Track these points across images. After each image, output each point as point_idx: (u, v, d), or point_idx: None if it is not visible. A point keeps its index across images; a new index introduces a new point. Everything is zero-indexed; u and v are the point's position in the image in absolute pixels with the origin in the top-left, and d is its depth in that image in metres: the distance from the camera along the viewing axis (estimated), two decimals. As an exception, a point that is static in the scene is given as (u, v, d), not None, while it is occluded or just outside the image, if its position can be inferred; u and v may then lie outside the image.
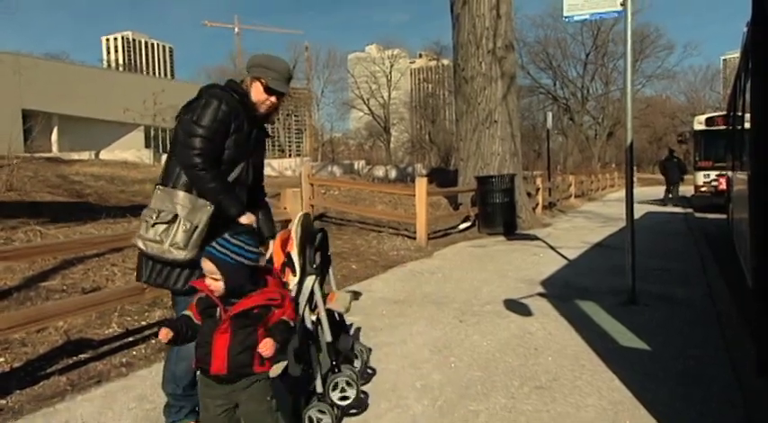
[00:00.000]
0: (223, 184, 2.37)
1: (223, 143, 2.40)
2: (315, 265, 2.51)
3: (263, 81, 2.54)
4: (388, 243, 8.33)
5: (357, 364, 2.95)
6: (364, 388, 2.95)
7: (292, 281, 2.45)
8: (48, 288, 4.58)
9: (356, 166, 25.37)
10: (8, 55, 22.51)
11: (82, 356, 3.55)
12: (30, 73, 22.07)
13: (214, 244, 2.05)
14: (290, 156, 47.26)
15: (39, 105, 24.10)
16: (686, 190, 17.64)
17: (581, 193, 20.03)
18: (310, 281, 2.47)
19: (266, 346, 2.00)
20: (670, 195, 17.11)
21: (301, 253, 2.48)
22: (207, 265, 2.02)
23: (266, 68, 2.56)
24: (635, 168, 4.72)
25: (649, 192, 21.83)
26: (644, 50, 43.52)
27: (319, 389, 2.51)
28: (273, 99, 2.59)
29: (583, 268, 6.53)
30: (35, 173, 10.33)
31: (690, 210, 14.99)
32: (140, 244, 2.34)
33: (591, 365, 3.35)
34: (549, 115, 19.95)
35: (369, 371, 3.21)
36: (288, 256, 2.46)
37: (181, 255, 2.29)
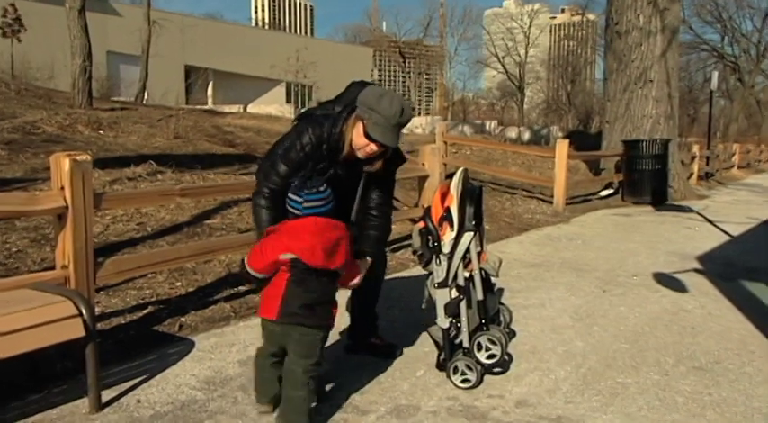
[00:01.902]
0: (269, 214, 2.25)
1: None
2: (473, 222, 2.48)
3: (364, 123, 2.19)
4: (523, 206, 8.08)
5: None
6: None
7: (449, 235, 2.44)
8: (210, 226, 5.09)
9: (487, 127, 24.66)
10: (176, 15, 24.79)
11: (241, 288, 3.92)
12: (191, 32, 24.13)
13: None
14: (419, 114, 47.33)
15: (198, 61, 26.46)
16: None
17: (746, 165, 17.71)
18: (468, 237, 2.45)
19: None
20: None
21: (460, 209, 2.46)
22: None
23: (370, 109, 2.16)
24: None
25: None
26: None
27: (466, 344, 2.52)
28: (374, 147, 2.21)
29: (749, 246, 5.81)
30: (195, 123, 11.35)
31: None
32: None
33: (763, 353, 2.99)
34: (715, 75, 17.62)
35: (506, 330, 3.17)
36: (447, 210, 2.45)
37: None
